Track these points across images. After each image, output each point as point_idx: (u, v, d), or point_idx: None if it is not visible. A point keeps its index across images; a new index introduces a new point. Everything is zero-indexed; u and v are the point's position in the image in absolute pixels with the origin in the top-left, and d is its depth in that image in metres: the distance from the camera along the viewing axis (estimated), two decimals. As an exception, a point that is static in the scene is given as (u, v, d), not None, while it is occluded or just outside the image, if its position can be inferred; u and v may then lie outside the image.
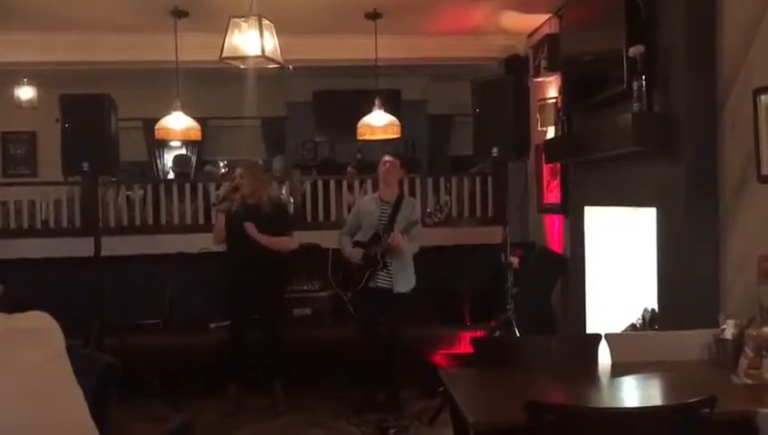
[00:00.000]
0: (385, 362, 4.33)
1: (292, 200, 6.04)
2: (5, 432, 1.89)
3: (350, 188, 6.17)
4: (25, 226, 6.02)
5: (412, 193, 5.96)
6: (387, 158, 4.38)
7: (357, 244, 4.35)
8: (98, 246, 4.37)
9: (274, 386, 4.44)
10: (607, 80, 3.67)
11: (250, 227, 4.25)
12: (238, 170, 4.45)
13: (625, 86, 3.41)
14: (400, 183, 4.54)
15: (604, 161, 3.88)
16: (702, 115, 3.14)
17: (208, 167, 8.45)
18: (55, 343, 2.11)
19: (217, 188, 5.92)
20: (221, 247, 4.47)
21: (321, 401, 4.60)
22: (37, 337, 2.08)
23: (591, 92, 3.93)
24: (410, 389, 4.49)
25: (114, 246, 5.31)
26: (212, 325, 5.24)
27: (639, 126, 3.27)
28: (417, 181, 6.13)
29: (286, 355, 4.45)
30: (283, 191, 6.14)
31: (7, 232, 5.95)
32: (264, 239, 4.28)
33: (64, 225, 5.98)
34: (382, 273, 4.25)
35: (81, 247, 4.80)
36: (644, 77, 3.29)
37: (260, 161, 7.41)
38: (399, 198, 4.38)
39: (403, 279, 4.29)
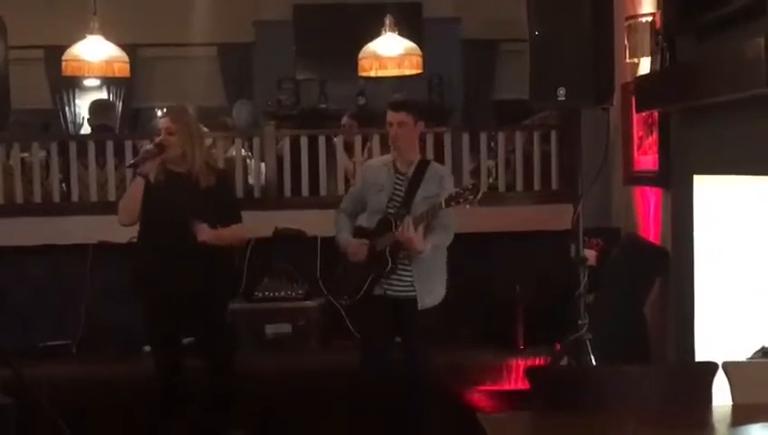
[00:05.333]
0: (403, 406, 4.31)
1: (263, 168, 6.06)
2: None
3: (349, 148, 6.17)
4: None
5: (439, 157, 5.95)
6: (392, 115, 4.27)
7: (360, 231, 4.34)
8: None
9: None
10: (729, -13, 3.65)
11: (202, 231, 4.18)
12: (165, 121, 4.39)
13: (756, -3, 3.38)
14: (422, 142, 4.50)
15: (724, 109, 3.86)
16: None
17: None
18: None
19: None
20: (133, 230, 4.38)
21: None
22: None
23: (707, 6, 3.90)
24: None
25: (3, 234, 5.34)
26: (147, 348, 5.27)
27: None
28: (447, 139, 6.11)
29: (234, 389, 4.47)
30: (243, 151, 6.15)
31: None
32: (219, 236, 4.23)
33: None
34: (396, 277, 4.22)
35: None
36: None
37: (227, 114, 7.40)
38: (422, 166, 4.32)
39: (431, 288, 4.26)
